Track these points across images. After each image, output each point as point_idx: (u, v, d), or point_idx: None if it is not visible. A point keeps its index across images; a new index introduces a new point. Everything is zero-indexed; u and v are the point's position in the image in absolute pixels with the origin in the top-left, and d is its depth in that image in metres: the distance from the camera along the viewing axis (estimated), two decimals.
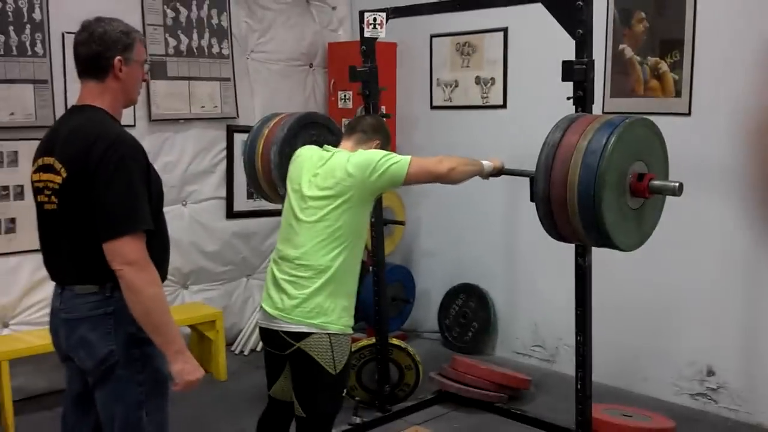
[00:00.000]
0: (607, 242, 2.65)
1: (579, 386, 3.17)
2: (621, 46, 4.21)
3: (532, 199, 2.75)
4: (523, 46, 4.70)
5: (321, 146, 3.01)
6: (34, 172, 2.32)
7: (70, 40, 4.13)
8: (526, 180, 2.85)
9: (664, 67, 4.06)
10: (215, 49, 4.86)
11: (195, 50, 4.77)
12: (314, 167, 2.81)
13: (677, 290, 4.16)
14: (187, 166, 4.82)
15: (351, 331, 2.78)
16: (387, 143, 2.97)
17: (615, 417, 3.69)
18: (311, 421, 2.78)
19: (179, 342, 2.24)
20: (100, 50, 2.26)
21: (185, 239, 4.85)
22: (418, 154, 3.49)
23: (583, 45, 2.89)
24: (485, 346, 5.07)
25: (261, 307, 2.83)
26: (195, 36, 4.76)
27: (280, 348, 2.76)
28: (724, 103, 3.90)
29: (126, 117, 4.41)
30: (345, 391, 2.86)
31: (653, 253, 3.31)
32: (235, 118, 4.97)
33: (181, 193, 4.83)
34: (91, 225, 2.17)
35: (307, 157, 2.89)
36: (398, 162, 2.71)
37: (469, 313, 5.09)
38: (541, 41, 4.11)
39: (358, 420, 3.81)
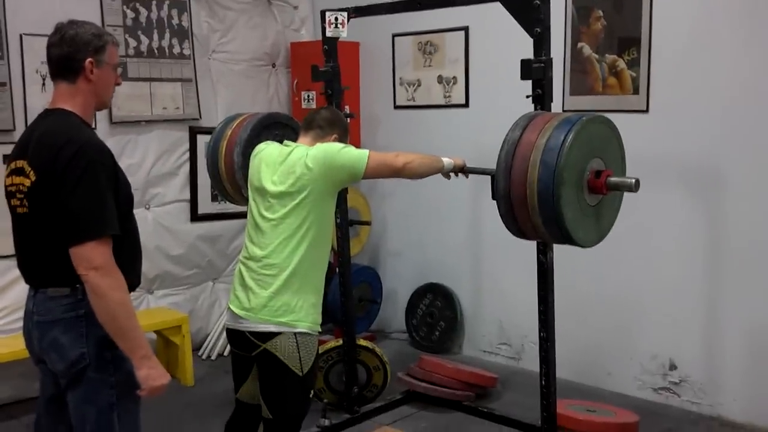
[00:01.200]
0: (567, 239, 2.67)
1: (543, 383, 3.20)
2: (579, 45, 4.25)
3: (493, 198, 2.77)
4: (484, 45, 4.73)
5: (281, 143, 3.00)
6: (7, 176, 2.32)
7: (28, 42, 4.15)
8: (488, 179, 2.87)
9: (621, 64, 4.12)
10: (176, 50, 4.82)
11: (156, 51, 4.73)
12: (274, 164, 2.80)
13: (638, 285, 4.22)
14: (149, 169, 4.78)
15: (319, 330, 2.78)
16: (345, 136, 2.96)
17: (580, 412, 3.73)
18: (279, 423, 2.77)
19: (145, 347, 2.25)
20: (71, 51, 2.27)
21: (150, 243, 4.80)
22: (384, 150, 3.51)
23: (541, 43, 2.92)
24: (452, 345, 5.10)
25: (228, 308, 2.81)
26: (155, 36, 4.72)
27: (247, 349, 2.74)
28: (680, 101, 3.96)
29: None
30: (312, 392, 2.85)
31: (614, 249, 3.35)
32: (197, 119, 4.93)
33: (145, 196, 4.78)
34: (60, 228, 2.18)
35: (267, 154, 2.87)
36: (357, 155, 2.70)
37: (436, 312, 5.11)
38: (502, 40, 4.14)
39: (326, 422, 3.80)
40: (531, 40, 2.96)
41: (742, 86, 3.77)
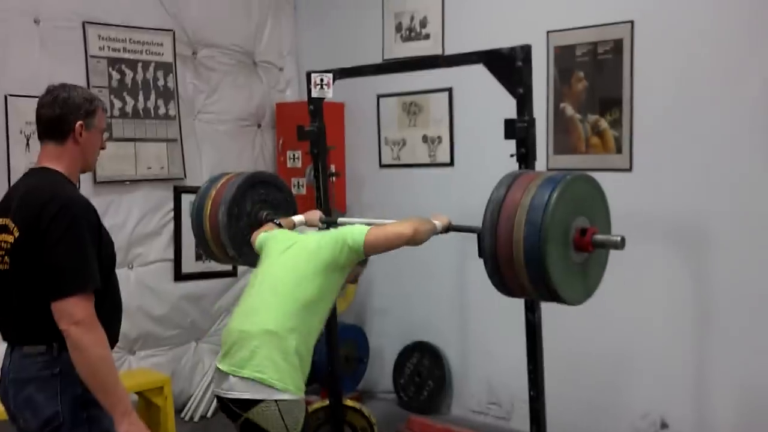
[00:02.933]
0: (554, 297, 2.66)
1: None
2: (562, 105, 4.32)
3: (480, 256, 2.77)
4: (468, 105, 4.79)
5: (271, 206, 3.04)
6: None
7: (13, 103, 4.16)
8: (475, 236, 2.87)
9: (604, 124, 4.17)
10: (162, 110, 4.85)
11: (141, 111, 4.75)
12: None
13: (627, 343, 4.20)
14: (133, 228, 4.75)
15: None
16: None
17: None
18: None
19: (126, 403, 2.26)
20: (62, 113, 2.35)
21: (132, 303, 4.74)
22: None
23: (524, 104, 2.95)
24: (441, 405, 5.02)
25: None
26: (141, 97, 4.75)
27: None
28: (663, 159, 4.01)
29: None
30: None
31: (602, 306, 3.34)
32: (182, 178, 4.93)
33: (128, 256, 4.74)
34: (40, 285, 2.20)
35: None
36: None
37: (424, 371, 5.05)
38: (485, 100, 4.19)
39: None
40: (513, 100, 3.00)
41: (724, 144, 3.82)
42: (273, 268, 2.83)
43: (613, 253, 2.89)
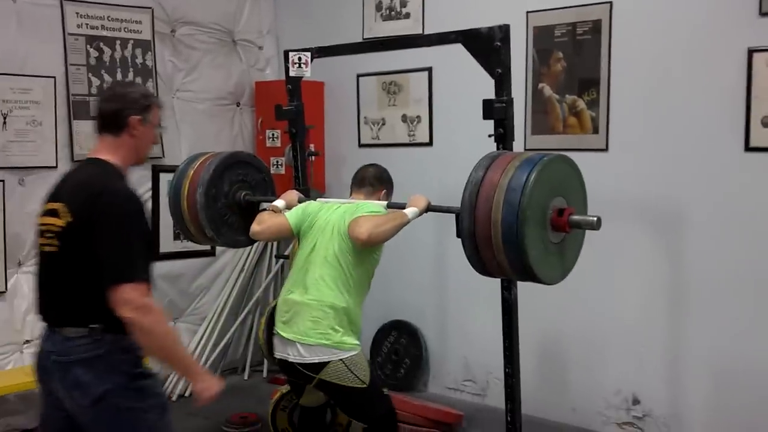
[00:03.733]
0: (532, 277, 2.70)
1: (509, 419, 3.21)
2: (540, 85, 4.34)
3: (458, 236, 2.80)
4: (448, 85, 4.79)
5: (249, 186, 3.18)
6: (40, 215, 2.47)
7: None
8: (453, 216, 2.90)
9: (581, 105, 4.20)
10: None
11: None
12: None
13: (601, 321, 4.26)
14: None
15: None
16: (391, 189, 3.48)
17: None
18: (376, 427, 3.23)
19: (195, 366, 2.57)
20: (120, 108, 2.47)
21: None
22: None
23: (502, 84, 2.98)
24: (418, 383, 5.07)
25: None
26: (119, 75, 4.70)
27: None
28: (639, 139, 4.05)
29: (48, 158, 4.39)
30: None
31: (577, 285, 3.38)
32: (160, 157, 4.89)
33: None
34: (86, 269, 2.31)
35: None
36: None
37: (401, 349, 5.10)
38: (464, 80, 4.20)
39: None
40: (493, 81, 3.02)
41: (699, 123, 3.86)
42: (322, 241, 3.17)
43: (589, 234, 2.93)
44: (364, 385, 3.11)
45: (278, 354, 3.20)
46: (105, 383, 2.34)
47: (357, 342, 3.18)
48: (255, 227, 3.36)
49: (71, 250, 2.35)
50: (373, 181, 3.40)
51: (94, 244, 2.30)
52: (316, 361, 3.06)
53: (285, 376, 3.35)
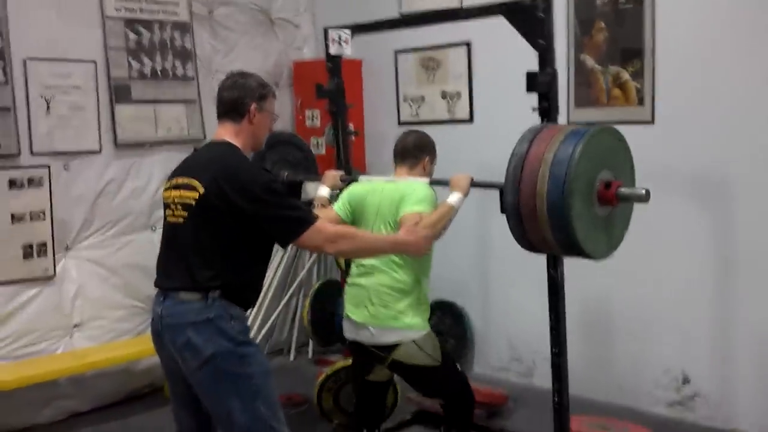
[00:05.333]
0: (578, 251, 2.65)
1: (556, 399, 3.16)
2: (582, 56, 4.24)
3: (502, 211, 2.75)
4: (487, 60, 4.72)
5: (291, 165, 3.21)
6: (167, 189, 2.67)
7: (32, 67, 4.16)
8: (497, 193, 2.85)
9: (625, 76, 4.10)
10: (179, 71, 4.83)
11: (159, 73, 4.73)
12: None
13: (649, 298, 4.18)
14: (155, 191, 4.74)
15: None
16: (434, 154, 3.42)
17: (593, 429, 3.67)
18: (452, 404, 3.32)
19: (392, 239, 2.88)
20: (239, 96, 2.67)
21: (155, 265, 4.77)
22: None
23: (546, 56, 2.91)
24: (463, 363, 5.03)
25: None
26: (158, 58, 4.72)
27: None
28: (686, 110, 3.94)
29: (91, 142, 4.44)
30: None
31: (624, 261, 3.32)
32: (202, 139, 4.90)
33: (151, 219, 4.75)
34: (210, 238, 2.51)
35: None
36: None
37: (445, 330, 5.06)
38: (504, 54, 4.12)
39: None
40: (533, 54, 2.95)
41: (747, 94, 3.75)
42: (377, 226, 3.21)
43: (636, 207, 2.87)
44: (438, 363, 3.17)
45: (349, 336, 3.28)
46: (213, 346, 2.49)
47: (426, 322, 3.23)
48: None
49: (199, 221, 2.53)
50: (415, 152, 3.36)
51: (253, 217, 2.48)
52: (389, 342, 3.13)
53: (353, 355, 3.39)
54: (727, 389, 3.95)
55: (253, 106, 2.67)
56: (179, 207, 2.59)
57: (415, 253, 2.88)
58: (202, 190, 2.52)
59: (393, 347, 3.14)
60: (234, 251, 2.54)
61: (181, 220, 2.58)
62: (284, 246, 2.67)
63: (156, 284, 2.67)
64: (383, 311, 3.14)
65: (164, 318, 2.57)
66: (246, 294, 2.64)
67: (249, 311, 2.79)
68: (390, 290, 3.16)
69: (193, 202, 2.54)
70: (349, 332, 3.28)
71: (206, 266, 2.52)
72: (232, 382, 2.52)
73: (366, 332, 3.18)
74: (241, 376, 2.52)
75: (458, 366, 3.36)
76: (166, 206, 2.66)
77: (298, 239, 2.54)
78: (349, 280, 3.34)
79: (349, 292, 3.30)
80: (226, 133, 2.69)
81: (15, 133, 4.15)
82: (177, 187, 2.62)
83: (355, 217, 3.31)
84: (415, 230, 2.84)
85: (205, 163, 2.61)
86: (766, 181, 3.74)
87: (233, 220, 2.51)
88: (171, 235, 2.64)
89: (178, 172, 2.69)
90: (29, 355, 4.23)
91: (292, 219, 2.55)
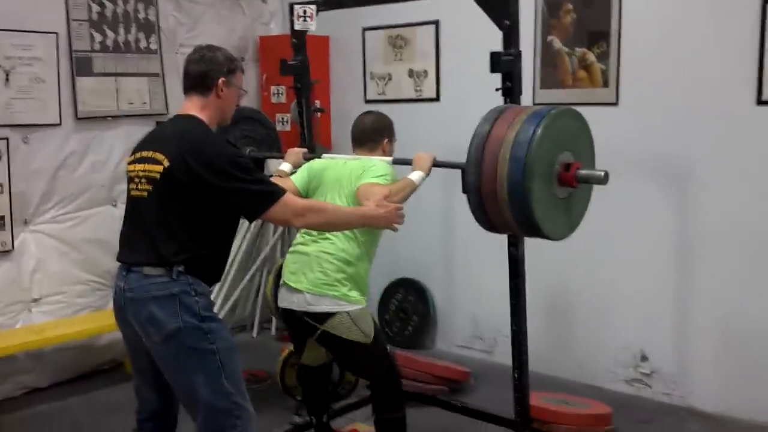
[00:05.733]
0: (537, 232, 2.67)
1: (516, 376, 3.20)
2: (549, 38, 4.25)
3: (464, 191, 2.76)
4: (455, 39, 4.71)
5: (255, 141, 3.16)
6: (131, 162, 2.64)
7: None
8: (460, 173, 2.86)
9: (591, 58, 4.12)
10: (143, 44, 4.74)
11: (122, 45, 4.65)
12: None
13: (609, 277, 4.24)
14: (116, 165, 4.68)
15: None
16: (393, 134, 3.37)
17: (553, 404, 3.73)
18: (378, 384, 3.22)
19: (361, 210, 2.81)
20: (207, 69, 2.65)
21: (116, 240, 4.68)
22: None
23: (511, 36, 2.91)
24: (426, 340, 5.08)
25: None
26: (122, 31, 4.64)
27: None
28: (650, 93, 3.98)
29: (51, 115, 4.36)
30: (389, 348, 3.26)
31: (585, 241, 3.36)
32: (164, 114, 4.84)
33: (111, 193, 4.69)
34: (175, 213, 2.50)
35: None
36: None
37: (409, 307, 5.10)
38: (472, 33, 4.12)
39: (299, 419, 3.77)
40: (501, 34, 2.95)
41: (711, 78, 3.79)
42: (331, 198, 3.16)
43: (597, 188, 2.89)
44: (368, 341, 3.09)
45: (283, 304, 3.18)
46: (177, 321, 2.48)
47: (363, 297, 3.17)
48: None
49: (164, 194, 2.51)
50: (373, 135, 3.31)
51: (219, 191, 2.47)
52: (322, 310, 3.06)
53: (287, 328, 3.33)
54: (686, 367, 4.03)
55: (221, 81, 2.65)
56: (143, 181, 2.56)
57: (385, 226, 2.84)
58: (167, 163, 2.50)
59: (326, 317, 3.06)
60: (199, 226, 2.53)
61: (145, 194, 2.55)
62: (251, 220, 2.67)
63: (119, 258, 2.65)
64: (322, 277, 3.07)
65: (126, 292, 2.55)
66: (210, 269, 2.63)
67: (213, 287, 2.76)
68: (333, 259, 3.09)
69: (158, 176, 2.51)
70: (283, 300, 3.19)
71: (170, 241, 2.50)
72: (197, 358, 2.51)
73: (301, 297, 3.09)
74: (205, 352, 2.51)
75: (388, 348, 3.27)
76: (130, 180, 2.63)
77: (266, 213, 2.54)
78: (292, 247, 3.28)
79: (289, 259, 3.23)
80: (192, 106, 2.67)
81: None
82: (141, 160, 2.59)
83: (311, 189, 3.27)
84: (385, 203, 2.80)
85: (170, 136, 2.60)
86: (726, 164, 3.79)
87: (198, 193, 2.49)
88: (134, 209, 2.62)
89: (142, 146, 2.66)
90: None
91: (260, 193, 2.53)
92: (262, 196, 2.53)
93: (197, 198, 2.50)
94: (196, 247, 2.53)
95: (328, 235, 3.11)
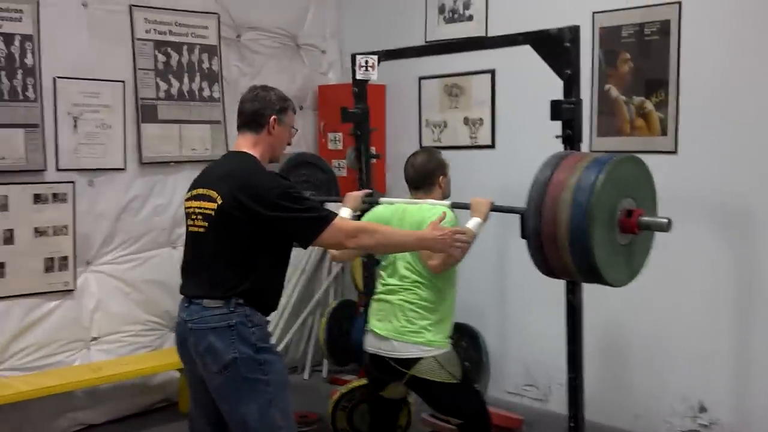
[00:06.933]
0: (598, 278, 2.66)
1: (571, 425, 3.16)
2: (607, 86, 4.28)
3: (523, 236, 2.77)
4: (511, 87, 4.76)
5: (314, 186, 3.25)
6: (188, 199, 2.77)
7: (61, 85, 4.25)
8: (516, 219, 2.87)
9: (649, 106, 4.13)
10: (206, 93, 4.89)
11: (186, 93, 4.80)
12: None
13: (667, 325, 4.17)
14: (177, 209, 4.79)
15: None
16: (445, 168, 3.40)
17: None
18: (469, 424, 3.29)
19: (416, 234, 2.84)
20: (260, 107, 2.75)
21: (175, 282, 4.70)
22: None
23: (571, 85, 2.95)
24: (477, 387, 5.03)
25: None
26: (186, 80, 4.80)
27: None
28: (709, 141, 3.95)
29: (116, 160, 4.51)
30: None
31: (643, 288, 3.33)
32: None
33: (171, 236, 4.80)
34: (231, 247, 2.60)
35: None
36: None
37: (461, 352, 5.04)
38: (528, 82, 4.17)
39: None
40: (556, 82, 2.99)
41: None
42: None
43: (657, 236, 2.88)
44: (456, 381, 3.19)
45: (370, 348, 3.30)
46: (233, 351, 2.57)
47: (448, 340, 3.28)
48: (333, 252, 3.42)
49: (219, 230, 2.62)
50: (427, 177, 3.35)
51: (272, 222, 2.56)
52: (410, 356, 3.16)
53: (371, 372, 3.41)
54: (745, 418, 3.92)
55: (272, 118, 2.75)
56: (199, 217, 2.68)
57: (441, 250, 2.87)
58: (220, 200, 2.61)
59: (413, 362, 3.16)
60: (253, 258, 2.62)
61: (202, 229, 2.67)
62: (305, 246, 2.73)
63: (181, 291, 2.77)
64: (408, 325, 3.18)
65: (188, 323, 2.66)
66: (266, 299, 2.72)
67: (270, 316, 2.82)
68: (416, 308, 3.20)
69: (212, 213, 2.63)
70: (370, 345, 3.31)
71: (227, 273, 2.61)
72: (250, 388, 2.58)
73: (388, 345, 3.21)
74: (258, 382, 2.59)
75: (477, 387, 3.36)
76: (188, 216, 2.76)
77: (318, 237, 2.61)
78: (375, 296, 3.38)
79: (374, 307, 3.36)
80: (244, 143, 2.77)
81: (42, 149, 4.22)
82: (197, 197, 2.71)
83: None
84: (441, 227, 2.81)
85: (221, 173, 2.70)
86: None
87: (252, 227, 2.58)
88: (193, 243, 2.74)
89: (197, 183, 2.78)
90: (47, 367, 4.28)
91: (311, 219, 2.61)
92: (314, 222, 2.61)
93: (251, 232, 2.59)
94: (252, 279, 2.62)
95: (408, 285, 3.22)
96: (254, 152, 2.75)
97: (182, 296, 2.76)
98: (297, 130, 3.02)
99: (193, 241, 2.75)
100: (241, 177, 2.63)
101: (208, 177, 2.77)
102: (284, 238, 2.68)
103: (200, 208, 2.69)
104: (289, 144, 2.90)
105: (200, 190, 2.72)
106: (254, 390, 2.59)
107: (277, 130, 2.77)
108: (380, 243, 2.78)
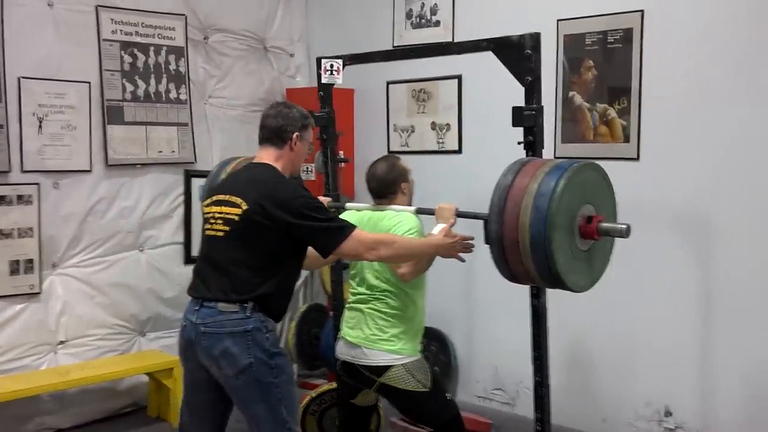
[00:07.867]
0: (559, 283, 2.69)
1: (538, 429, 3.18)
2: (570, 93, 4.33)
3: (486, 242, 2.79)
4: (477, 93, 4.79)
5: None
6: (208, 204, 2.87)
7: (26, 85, 4.21)
8: (482, 223, 2.89)
9: (612, 113, 4.18)
10: (173, 95, 4.88)
11: (152, 95, 4.78)
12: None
13: (632, 331, 4.22)
14: (144, 211, 4.79)
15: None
16: (406, 175, 3.43)
17: None
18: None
19: (433, 241, 2.99)
20: (284, 124, 2.89)
21: (142, 285, 4.79)
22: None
23: (532, 92, 2.96)
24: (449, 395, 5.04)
25: None
26: (153, 81, 4.77)
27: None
28: (671, 148, 4.02)
29: (82, 162, 4.47)
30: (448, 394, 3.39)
31: (607, 294, 3.36)
32: (192, 162, 4.96)
33: (138, 239, 4.78)
34: (249, 252, 2.70)
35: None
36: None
37: (430, 356, 5.07)
38: (494, 88, 4.17)
39: None
40: (522, 88, 3.01)
41: (732, 134, 3.83)
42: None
43: (619, 242, 2.91)
44: (427, 389, 3.22)
45: (342, 356, 3.34)
46: (249, 356, 2.68)
47: (419, 348, 3.33)
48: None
49: (240, 235, 2.72)
50: (389, 186, 3.36)
51: (295, 230, 2.69)
52: (380, 363, 3.20)
53: (345, 378, 3.41)
54: (710, 422, 3.98)
55: (295, 135, 2.88)
56: (219, 222, 2.78)
57: (451, 255, 3.01)
58: (245, 206, 2.71)
59: (384, 369, 3.19)
60: (271, 264, 2.73)
61: (221, 233, 2.77)
62: (325, 255, 2.82)
63: (191, 293, 2.83)
64: (378, 333, 3.22)
65: (200, 326, 2.72)
66: (279, 305, 2.83)
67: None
68: (386, 316, 3.24)
69: (236, 218, 2.72)
70: (342, 352, 3.34)
71: (244, 278, 2.71)
72: (262, 390, 2.72)
73: (359, 352, 3.24)
74: (269, 385, 2.73)
75: (448, 395, 3.38)
76: (206, 220, 2.86)
77: (339, 247, 2.74)
78: (348, 304, 3.41)
79: (346, 315, 3.39)
80: (267, 156, 2.90)
81: (6, 150, 4.18)
82: (218, 203, 2.81)
83: None
84: (453, 233, 2.99)
85: (245, 182, 2.82)
86: (748, 217, 3.80)
87: (275, 233, 2.70)
88: (209, 247, 2.84)
89: (218, 189, 2.90)
90: (13, 371, 4.24)
91: (333, 229, 2.75)
92: (335, 232, 2.74)
93: (273, 238, 2.71)
94: (268, 285, 2.73)
95: (378, 294, 3.26)
96: (276, 166, 2.87)
97: (191, 298, 2.81)
98: (313, 145, 3.12)
99: (210, 244, 2.83)
100: (266, 185, 2.75)
101: (231, 184, 2.89)
102: (302, 247, 2.81)
103: (221, 213, 2.78)
104: (307, 161, 3.03)
105: (222, 196, 2.81)
106: (266, 392, 2.73)
107: (298, 146, 2.91)
108: (398, 254, 2.93)
